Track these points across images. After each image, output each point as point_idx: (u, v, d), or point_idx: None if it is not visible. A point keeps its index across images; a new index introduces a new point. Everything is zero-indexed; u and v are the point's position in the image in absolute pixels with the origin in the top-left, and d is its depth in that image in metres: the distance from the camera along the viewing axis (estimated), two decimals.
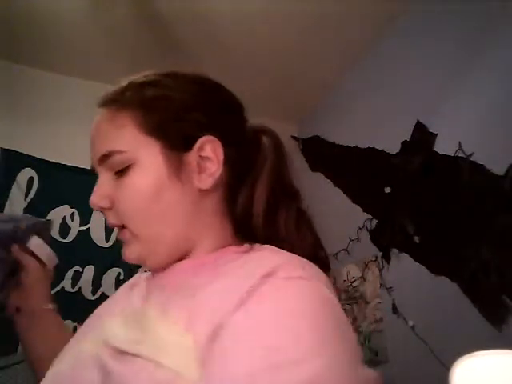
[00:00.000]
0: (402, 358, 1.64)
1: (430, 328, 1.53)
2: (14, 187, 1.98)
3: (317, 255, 0.55)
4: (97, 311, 0.60)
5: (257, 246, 0.53)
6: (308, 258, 0.49)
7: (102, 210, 0.55)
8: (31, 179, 2.02)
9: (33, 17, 1.90)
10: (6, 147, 1.99)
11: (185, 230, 0.55)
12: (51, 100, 2.14)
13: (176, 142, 0.54)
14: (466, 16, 1.61)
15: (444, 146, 1.62)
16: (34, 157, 2.03)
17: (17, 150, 2.01)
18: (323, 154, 2.42)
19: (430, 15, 1.79)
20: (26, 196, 1.99)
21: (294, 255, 0.49)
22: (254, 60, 2.17)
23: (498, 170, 1.37)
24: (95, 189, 0.55)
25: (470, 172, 1.48)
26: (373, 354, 1.75)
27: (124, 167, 0.53)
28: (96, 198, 0.55)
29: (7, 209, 1.92)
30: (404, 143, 1.82)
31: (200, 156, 0.55)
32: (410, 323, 1.59)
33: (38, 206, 1.98)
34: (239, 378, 0.35)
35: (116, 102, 0.56)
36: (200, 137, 0.55)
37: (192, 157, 0.55)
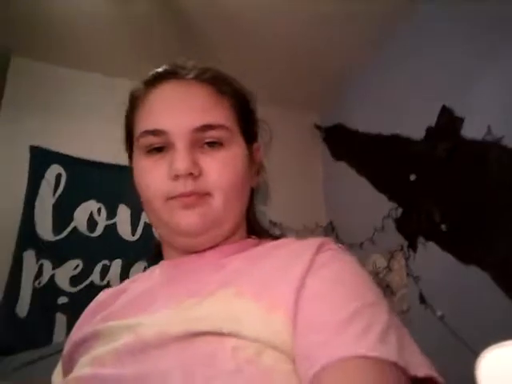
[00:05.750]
0: (430, 349, 1.62)
1: (460, 317, 1.50)
2: (44, 183, 2.03)
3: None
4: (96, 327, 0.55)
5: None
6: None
7: (185, 177, 0.55)
8: (59, 175, 2.07)
9: (59, 17, 1.94)
10: (35, 144, 2.04)
11: (243, 215, 0.63)
12: (78, 97, 2.18)
13: (250, 139, 0.63)
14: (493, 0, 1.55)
15: (471, 131, 1.57)
16: (61, 153, 2.08)
17: (45, 147, 2.06)
18: (346, 143, 2.38)
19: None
20: (55, 192, 2.04)
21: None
22: (277, 49, 2.15)
23: None
24: (182, 155, 0.55)
25: (498, 156, 1.43)
26: None
27: (221, 141, 0.57)
28: (188, 164, 0.54)
29: (37, 205, 1.98)
30: (429, 129, 1.78)
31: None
32: (439, 313, 1.56)
33: (66, 202, 2.03)
34: (342, 314, 0.42)
35: (216, 81, 0.60)
36: (253, 142, 0.65)
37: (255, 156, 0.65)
